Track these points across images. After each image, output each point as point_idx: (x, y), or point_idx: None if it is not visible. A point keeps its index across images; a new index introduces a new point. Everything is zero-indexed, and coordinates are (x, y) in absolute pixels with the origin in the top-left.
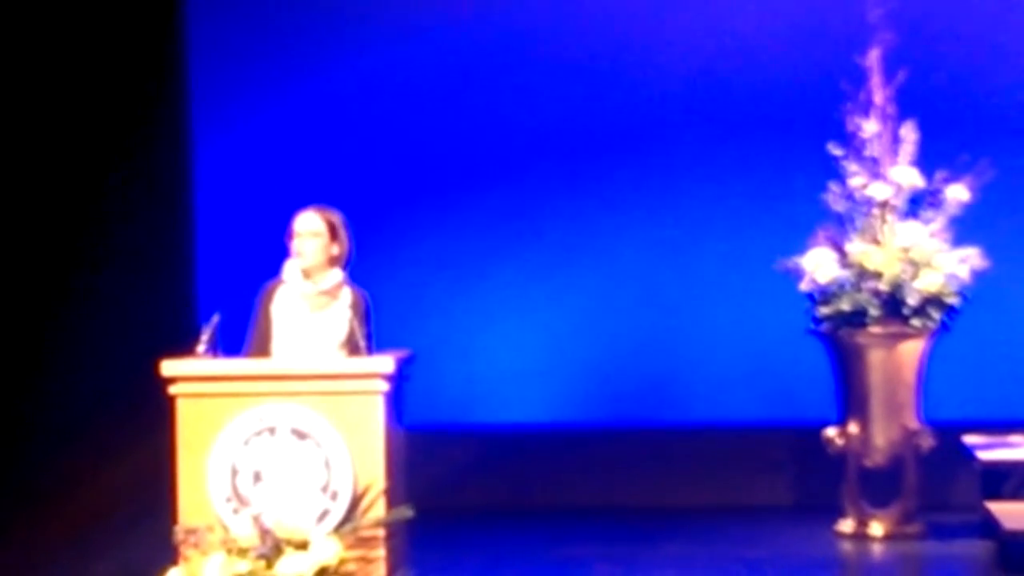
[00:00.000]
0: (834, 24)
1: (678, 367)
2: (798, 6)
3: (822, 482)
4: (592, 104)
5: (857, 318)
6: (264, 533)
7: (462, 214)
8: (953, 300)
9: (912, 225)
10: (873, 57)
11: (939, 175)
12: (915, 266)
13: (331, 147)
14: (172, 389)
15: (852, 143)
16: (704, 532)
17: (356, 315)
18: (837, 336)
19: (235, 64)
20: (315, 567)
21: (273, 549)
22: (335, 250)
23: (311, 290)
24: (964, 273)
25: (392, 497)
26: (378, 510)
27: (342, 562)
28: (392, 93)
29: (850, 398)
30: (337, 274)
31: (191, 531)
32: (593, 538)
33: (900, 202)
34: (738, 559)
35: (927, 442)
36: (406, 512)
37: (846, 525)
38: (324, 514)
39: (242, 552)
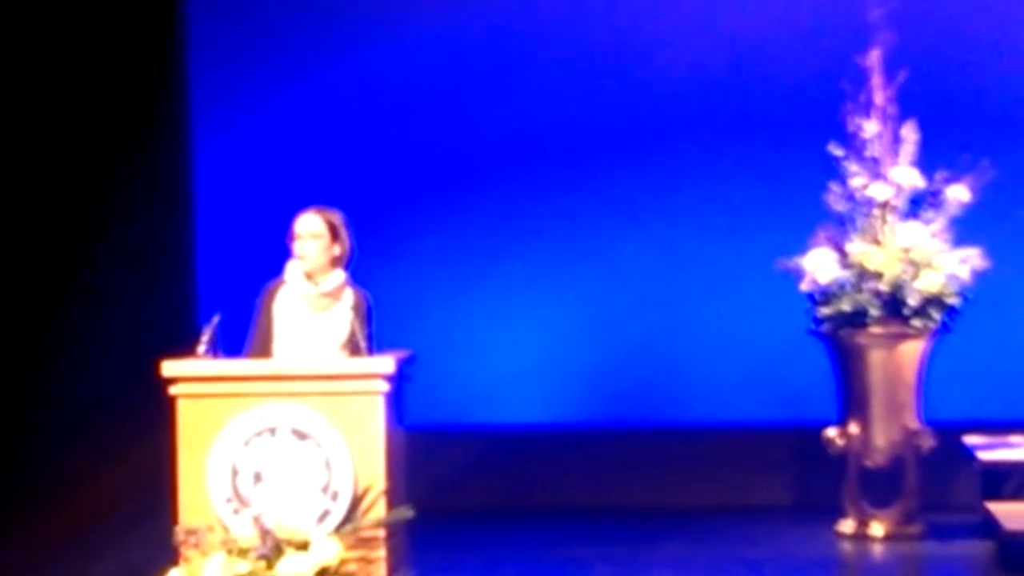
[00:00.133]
0: (834, 24)
1: (678, 367)
2: (798, 6)
3: (822, 482)
4: (592, 104)
5: (858, 318)
6: (264, 533)
7: (462, 214)
8: (954, 300)
9: (913, 225)
10: (874, 57)
11: (940, 175)
12: (916, 266)
13: (331, 147)
14: (172, 389)
15: (853, 143)
16: (704, 532)
17: (357, 316)
18: (838, 336)
19: (235, 64)
20: (316, 567)
21: (273, 549)
22: (336, 251)
23: (313, 291)
24: (965, 273)
25: (392, 497)
26: (378, 510)
27: (343, 562)
28: (392, 93)
29: (851, 398)
30: (339, 275)
31: (191, 531)
32: (593, 538)
33: (901, 202)
34: (738, 559)
35: (927, 442)
36: (406, 512)
37: (846, 525)
38: (325, 514)
39: (242, 552)
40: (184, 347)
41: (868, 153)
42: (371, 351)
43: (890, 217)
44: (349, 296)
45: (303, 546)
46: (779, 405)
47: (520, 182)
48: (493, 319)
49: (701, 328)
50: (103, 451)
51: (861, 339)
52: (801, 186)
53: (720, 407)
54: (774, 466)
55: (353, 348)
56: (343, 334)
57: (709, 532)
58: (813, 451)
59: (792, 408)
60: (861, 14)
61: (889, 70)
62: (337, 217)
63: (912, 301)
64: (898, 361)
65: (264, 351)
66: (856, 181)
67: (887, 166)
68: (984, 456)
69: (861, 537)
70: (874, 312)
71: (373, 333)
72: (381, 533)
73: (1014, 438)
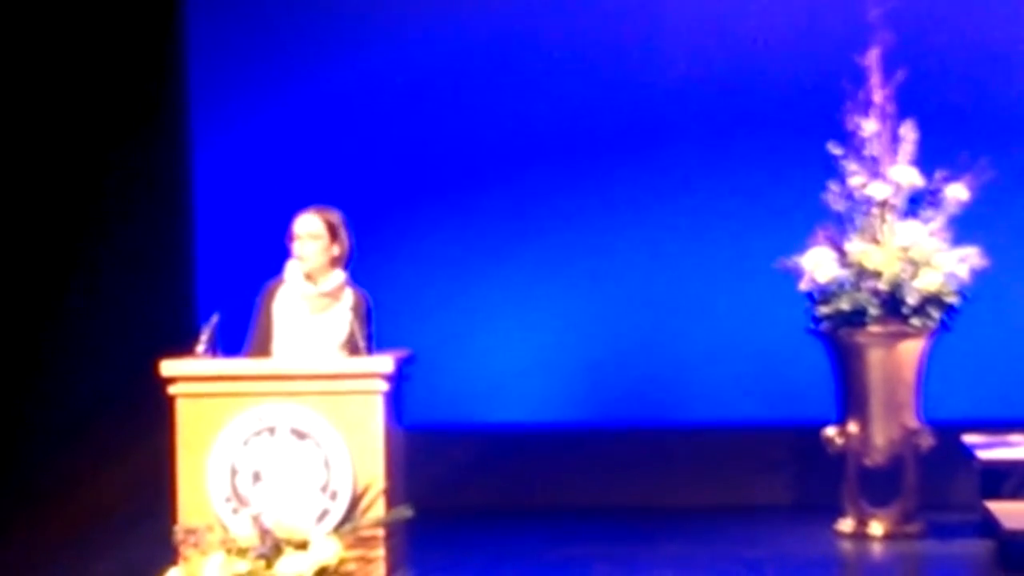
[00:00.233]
0: (834, 24)
1: (678, 367)
2: (798, 6)
3: (822, 481)
4: (592, 104)
5: (857, 317)
6: (264, 533)
7: (462, 214)
8: (952, 299)
9: (911, 224)
10: (872, 56)
11: (938, 174)
12: (914, 265)
13: (331, 147)
14: (172, 389)
15: (851, 142)
16: (704, 532)
17: (357, 317)
18: (837, 335)
19: (235, 64)
20: (315, 567)
21: (273, 549)
22: (336, 251)
23: (312, 291)
24: (963, 272)
25: (392, 497)
26: (378, 510)
27: (342, 562)
28: (392, 93)
29: (850, 397)
30: (339, 275)
31: (191, 531)
32: (593, 538)
33: (899, 201)
34: (738, 559)
35: (927, 441)
36: (406, 512)
37: (846, 524)
38: (324, 514)
39: (242, 552)
40: (183, 347)
41: (867, 152)
42: (370, 351)
43: (889, 216)
44: (348, 296)
45: (302, 545)
46: (778, 404)
47: (520, 182)
48: (493, 319)
49: (700, 327)
50: (103, 451)
51: (860, 338)
52: (800, 185)
53: (719, 406)
54: (773, 465)
55: (352, 348)
56: (342, 334)
57: (709, 532)
58: (812, 450)
59: (791, 407)
60: (860, 13)
61: (888, 69)
62: (336, 217)
63: (911, 300)
64: (897, 360)
65: (263, 351)
66: (855, 180)
67: (886, 165)
68: (983, 455)
69: (860, 536)
70: (873, 311)
71: (372, 333)
72: (380, 533)
73: (1013, 437)
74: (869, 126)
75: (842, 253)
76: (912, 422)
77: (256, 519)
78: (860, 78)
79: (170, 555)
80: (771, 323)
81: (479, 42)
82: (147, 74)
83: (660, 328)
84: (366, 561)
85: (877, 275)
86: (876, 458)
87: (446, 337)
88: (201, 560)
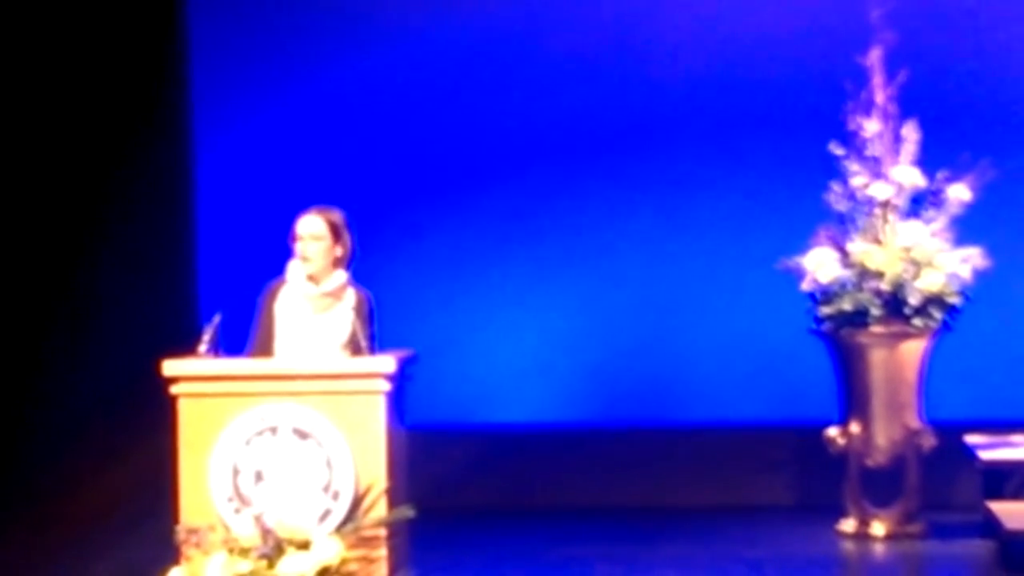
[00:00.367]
0: (835, 24)
1: (678, 367)
2: (799, 6)
3: (823, 482)
4: (592, 104)
5: (859, 318)
6: (266, 533)
7: (462, 214)
8: (955, 300)
9: (914, 225)
10: (874, 57)
11: (940, 174)
12: (917, 266)
13: (332, 147)
14: (173, 389)
15: (853, 143)
16: (704, 532)
17: (359, 317)
18: (839, 336)
19: (235, 64)
20: (317, 567)
21: (275, 549)
22: (338, 251)
23: (314, 291)
24: (966, 273)
25: (393, 497)
26: (379, 510)
27: (344, 562)
28: (392, 93)
29: (851, 398)
30: (341, 275)
31: (193, 531)
32: (593, 538)
33: (902, 202)
34: (738, 559)
35: (928, 442)
36: (407, 512)
37: (847, 525)
38: (326, 514)
39: (244, 552)
40: (185, 347)
41: (869, 152)
42: (372, 351)
43: (891, 216)
44: (350, 296)
45: (304, 545)
46: (780, 404)
47: (520, 182)
48: (493, 319)
49: (702, 328)
50: (104, 451)
51: (862, 338)
52: (802, 185)
53: (721, 406)
54: (775, 465)
55: (354, 348)
56: (344, 334)
57: (709, 532)
58: (814, 450)
59: (793, 407)
60: (861, 13)
61: (890, 69)
62: (338, 217)
63: (913, 300)
64: (899, 360)
65: (265, 351)
66: (857, 180)
67: (888, 165)
68: (985, 455)
69: (862, 536)
70: (875, 311)
71: (374, 333)
72: (382, 532)
73: (1015, 437)
74: (871, 126)
75: (844, 253)
76: (914, 422)
77: (258, 519)
78: (862, 78)
79: (172, 555)
80: (773, 323)
81: (480, 42)
82: (148, 74)
83: (661, 328)
84: (368, 561)
85: (879, 275)
86: (878, 458)
87: (447, 337)
88: (203, 560)
